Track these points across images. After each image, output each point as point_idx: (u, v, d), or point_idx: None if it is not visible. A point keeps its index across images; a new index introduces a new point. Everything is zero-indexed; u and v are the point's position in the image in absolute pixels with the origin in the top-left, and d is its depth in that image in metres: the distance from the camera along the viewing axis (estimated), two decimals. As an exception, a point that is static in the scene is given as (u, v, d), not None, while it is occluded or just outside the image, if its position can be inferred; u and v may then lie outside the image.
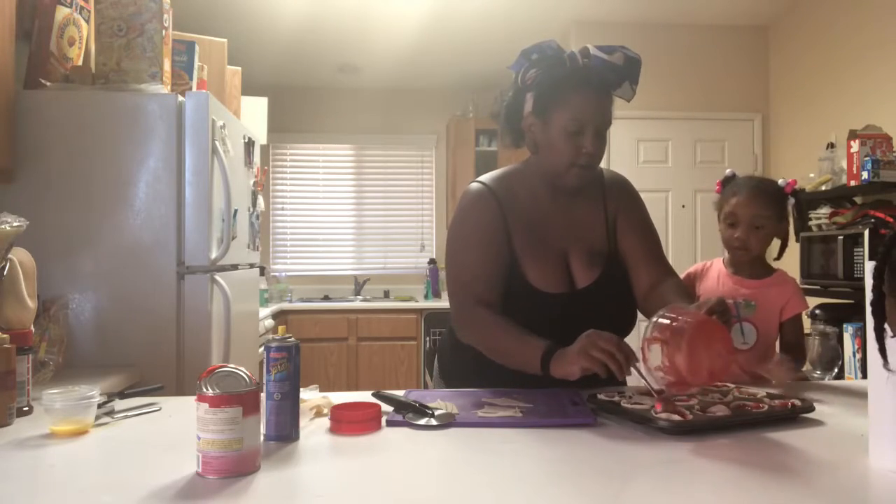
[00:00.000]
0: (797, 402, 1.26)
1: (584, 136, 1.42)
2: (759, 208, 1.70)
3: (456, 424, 1.21)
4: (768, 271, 1.78)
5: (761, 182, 1.76)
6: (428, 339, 4.87)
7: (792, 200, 1.74)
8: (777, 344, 1.75)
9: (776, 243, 1.79)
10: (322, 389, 1.37)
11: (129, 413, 1.31)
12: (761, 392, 1.34)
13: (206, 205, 2.17)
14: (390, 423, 1.22)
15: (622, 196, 1.60)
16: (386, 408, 1.28)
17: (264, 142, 4.06)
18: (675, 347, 1.13)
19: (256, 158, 2.94)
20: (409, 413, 1.24)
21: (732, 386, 1.42)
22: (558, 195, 1.52)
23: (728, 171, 1.83)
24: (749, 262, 1.75)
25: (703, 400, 1.29)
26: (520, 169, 1.57)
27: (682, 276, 1.78)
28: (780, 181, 1.75)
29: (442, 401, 1.32)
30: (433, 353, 1.78)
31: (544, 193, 1.52)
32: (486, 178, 1.56)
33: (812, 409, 1.27)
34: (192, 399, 1.00)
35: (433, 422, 1.21)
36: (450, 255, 1.54)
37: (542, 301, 1.44)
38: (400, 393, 1.39)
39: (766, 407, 1.24)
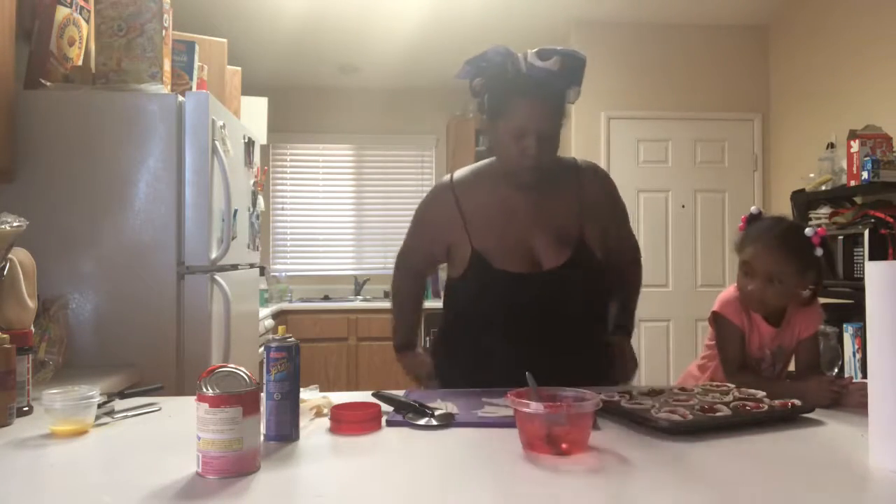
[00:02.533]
0: (797, 403, 1.26)
1: (527, 139, 1.47)
2: (777, 264, 1.51)
3: (456, 424, 1.21)
4: (785, 307, 1.61)
5: (785, 232, 1.56)
6: (428, 339, 4.86)
7: (819, 251, 1.54)
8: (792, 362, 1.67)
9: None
10: (322, 389, 1.37)
11: (129, 413, 1.31)
12: (761, 392, 1.34)
13: (206, 205, 2.16)
14: (390, 423, 1.22)
15: (597, 183, 1.68)
16: (386, 408, 1.28)
17: (264, 142, 4.06)
18: None
19: (256, 158, 2.94)
20: (409, 413, 1.25)
21: (732, 386, 1.42)
22: (523, 187, 1.57)
23: (754, 208, 1.63)
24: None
25: (703, 400, 1.29)
26: (487, 164, 1.67)
27: (726, 308, 1.60)
28: (809, 230, 1.54)
29: (442, 401, 1.32)
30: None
31: (507, 187, 1.58)
32: (456, 171, 1.69)
33: (812, 409, 1.27)
34: (192, 399, 1.00)
35: (433, 422, 1.21)
36: (406, 234, 1.80)
37: (504, 279, 1.52)
38: (400, 393, 1.39)
39: (766, 407, 1.24)
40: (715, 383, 1.47)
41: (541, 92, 1.48)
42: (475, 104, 1.59)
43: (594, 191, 1.65)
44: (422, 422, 1.21)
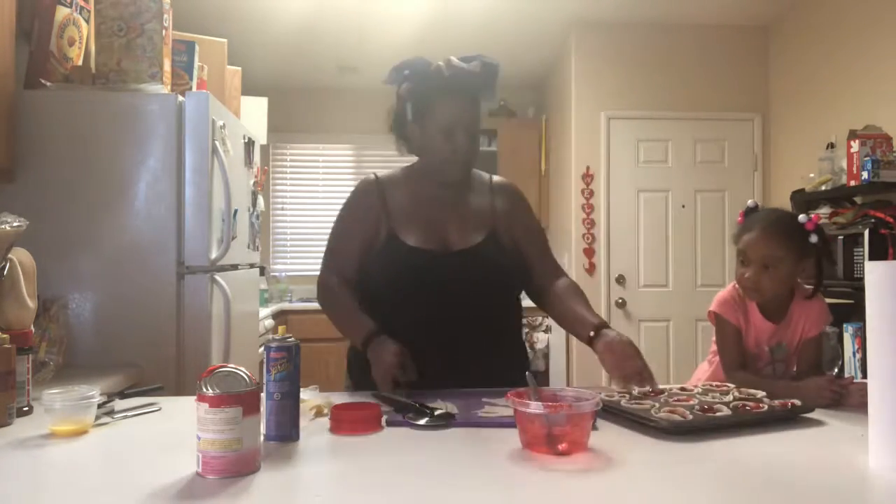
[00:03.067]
0: (797, 403, 1.26)
1: (456, 136, 1.57)
2: (769, 248, 1.53)
3: (456, 424, 1.21)
4: (788, 301, 1.62)
5: (778, 218, 1.58)
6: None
7: (814, 238, 1.55)
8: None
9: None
10: (322, 389, 1.37)
11: (129, 413, 1.31)
12: (761, 392, 1.34)
13: (206, 205, 2.17)
14: (391, 424, 1.22)
15: (509, 198, 1.73)
16: (387, 409, 1.28)
17: (264, 142, 4.06)
18: None
19: (256, 158, 2.94)
20: (409, 413, 1.25)
21: (732, 386, 1.42)
22: (444, 188, 1.66)
23: (751, 202, 1.65)
24: (770, 300, 1.59)
25: (703, 400, 1.29)
26: (409, 168, 1.75)
27: (722, 307, 1.63)
28: (802, 217, 1.56)
29: (442, 401, 1.32)
30: None
31: (429, 185, 1.67)
32: (381, 172, 1.75)
33: (812, 409, 1.27)
34: (192, 399, 1.00)
35: (433, 422, 1.21)
36: (330, 235, 1.73)
37: (414, 255, 1.57)
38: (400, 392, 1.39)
39: (766, 407, 1.24)
40: (715, 383, 1.48)
41: (465, 91, 1.60)
42: (396, 112, 1.67)
43: (506, 202, 1.71)
44: (422, 422, 1.21)
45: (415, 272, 1.56)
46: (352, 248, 1.65)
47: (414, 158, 1.71)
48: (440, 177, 1.63)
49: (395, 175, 1.73)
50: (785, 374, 1.63)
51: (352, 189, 1.74)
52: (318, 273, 1.75)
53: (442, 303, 1.54)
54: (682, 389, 1.40)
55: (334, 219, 1.72)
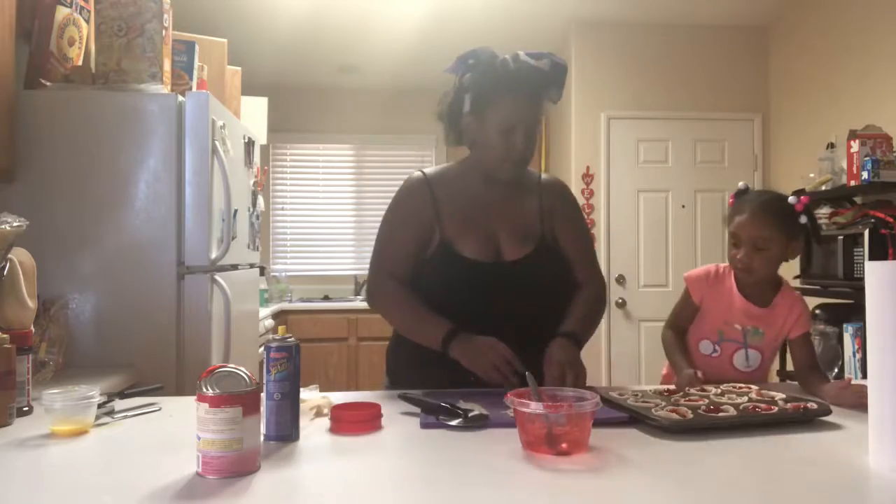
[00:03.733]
0: (811, 406, 1.25)
1: (515, 133, 1.53)
2: (762, 229, 1.57)
3: (491, 425, 1.20)
4: (775, 289, 1.65)
5: (766, 200, 1.61)
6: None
7: (804, 219, 1.58)
8: (792, 365, 1.66)
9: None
10: (322, 389, 1.37)
11: (129, 413, 1.31)
12: (780, 395, 1.33)
13: (206, 205, 2.16)
14: (424, 426, 1.21)
15: (557, 197, 1.70)
16: (387, 408, 1.28)
17: (264, 142, 4.06)
18: None
19: (256, 158, 2.94)
20: (440, 415, 1.23)
21: (754, 388, 1.41)
22: (493, 185, 1.63)
23: (741, 184, 1.69)
24: (756, 284, 1.64)
25: (714, 400, 1.29)
26: (459, 163, 1.71)
27: (692, 277, 1.72)
28: (792, 198, 1.60)
29: (464, 402, 1.30)
30: None
31: (479, 183, 1.63)
32: (427, 169, 1.70)
33: (829, 412, 1.24)
34: (192, 399, 1.00)
35: (468, 423, 1.19)
36: (378, 236, 1.67)
37: (470, 267, 1.54)
38: (418, 393, 1.38)
39: (777, 409, 1.23)
40: (738, 385, 1.45)
41: (530, 90, 1.55)
42: (451, 100, 1.61)
43: (554, 202, 1.68)
44: (455, 423, 1.20)
45: (469, 284, 1.53)
46: (405, 253, 1.60)
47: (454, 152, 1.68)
48: (494, 174, 1.60)
49: (444, 173, 1.68)
50: (761, 365, 1.64)
51: (397, 188, 1.67)
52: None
53: (494, 313, 1.51)
54: (702, 389, 1.40)
55: (382, 219, 1.66)
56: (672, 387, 1.45)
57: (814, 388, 1.49)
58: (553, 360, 1.44)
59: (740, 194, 1.66)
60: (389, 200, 1.69)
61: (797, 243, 1.60)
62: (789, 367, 1.76)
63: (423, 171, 1.68)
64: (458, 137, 1.63)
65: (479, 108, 1.55)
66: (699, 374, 1.47)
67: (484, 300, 1.52)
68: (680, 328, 1.74)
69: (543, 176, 1.73)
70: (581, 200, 4.28)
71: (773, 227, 1.57)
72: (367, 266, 1.68)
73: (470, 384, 1.46)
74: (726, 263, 1.70)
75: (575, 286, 1.65)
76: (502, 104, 1.52)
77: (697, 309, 1.70)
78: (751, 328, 1.62)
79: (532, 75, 1.53)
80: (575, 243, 1.66)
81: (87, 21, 2.36)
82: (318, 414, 1.27)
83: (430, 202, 1.61)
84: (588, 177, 4.31)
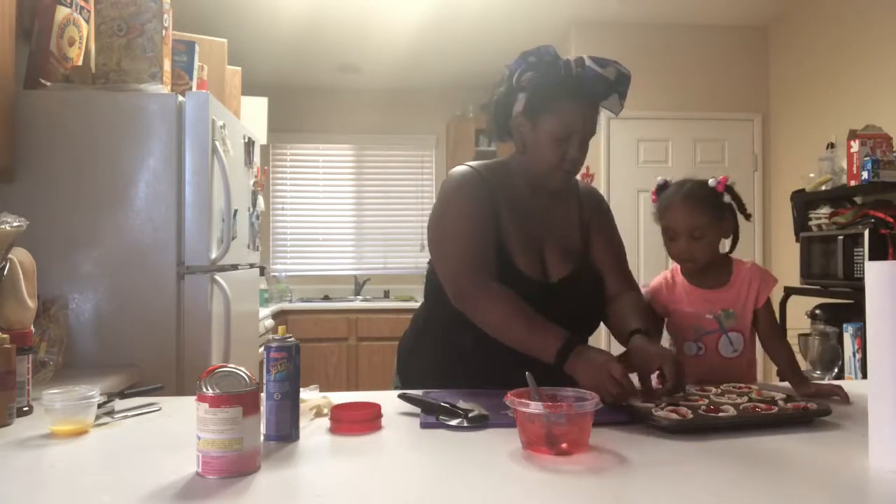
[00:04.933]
0: (811, 406, 1.25)
1: (570, 142, 1.46)
2: (693, 218, 1.61)
3: (492, 425, 1.20)
4: (727, 269, 1.68)
5: (690, 190, 1.64)
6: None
7: (727, 197, 1.64)
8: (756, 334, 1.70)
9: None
10: (322, 389, 1.37)
11: (129, 413, 1.31)
12: (780, 395, 1.33)
13: (206, 205, 2.16)
14: (424, 426, 1.21)
15: (595, 207, 1.67)
16: (387, 409, 1.28)
17: (264, 142, 4.06)
18: None
19: (256, 158, 2.94)
20: (440, 415, 1.23)
21: (755, 387, 1.41)
22: (538, 193, 1.57)
23: (660, 178, 1.73)
24: (704, 270, 1.66)
25: (714, 400, 1.29)
26: (505, 162, 1.60)
27: (650, 291, 1.75)
28: (711, 181, 1.64)
29: (464, 402, 1.30)
30: None
31: (525, 189, 1.56)
32: (472, 163, 1.59)
33: (829, 412, 1.24)
34: (192, 399, 1.00)
35: (469, 423, 1.19)
36: (448, 232, 1.51)
37: (526, 285, 1.45)
38: (418, 393, 1.38)
39: (777, 409, 1.23)
40: (738, 385, 1.45)
41: (591, 98, 1.47)
42: (502, 95, 1.51)
43: (593, 213, 1.64)
44: (455, 423, 1.20)
45: (524, 300, 1.42)
46: (490, 248, 1.46)
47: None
48: (540, 180, 1.53)
49: (491, 171, 1.56)
50: (745, 346, 1.65)
51: (446, 182, 1.55)
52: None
53: None
54: (702, 390, 1.40)
55: (446, 217, 1.52)
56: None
57: (780, 363, 1.62)
58: (652, 353, 1.35)
59: (661, 189, 1.71)
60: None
61: (727, 223, 1.66)
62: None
63: (471, 167, 1.57)
64: (502, 135, 1.55)
65: (534, 111, 1.46)
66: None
67: None
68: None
69: (581, 184, 1.68)
70: (581, 200, 4.28)
71: (702, 213, 1.62)
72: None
73: (486, 387, 1.42)
74: (671, 267, 1.76)
75: (606, 299, 1.57)
76: (560, 110, 1.44)
77: (662, 319, 1.72)
78: (721, 312, 1.65)
79: (595, 83, 1.45)
80: (611, 254, 1.62)
81: (87, 21, 2.36)
82: (318, 414, 1.27)
83: (490, 201, 1.50)
84: (588, 177, 4.31)
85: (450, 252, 1.49)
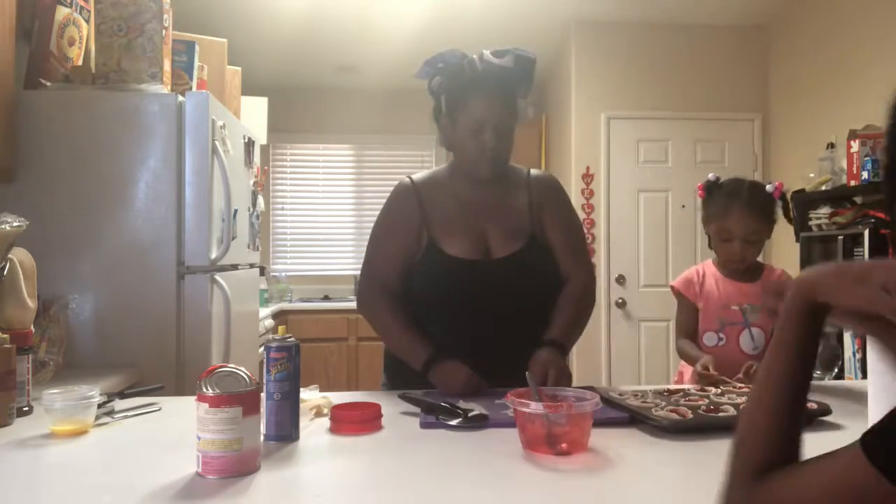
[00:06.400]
0: (811, 406, 1.25)
1: (485, 132, 1.54)
2: (754, 224, 1.65)
3: (491, 425, 1.20)
4: (759, 268, 1.75)
5: (753, 195, 1.67)
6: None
7: (780, 203, 1.70)
8: None
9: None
10: (322, 389, 1.37)
11: (129, 413, 1.31)
12: None
13: (206, 205, 2.16)
14: (424, 426, 1.21)
15: (546, 191, 1.69)
16: (387, 409, 1.28)
17: (264, 142, 4.06)
18: None
19: (256, 158, 2.94)
20: (440, 414, 1.23)
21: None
22: (479, 185, 1.63)
23: (711, 175, 1.75)
24: (744, 270, 1.73)
25: (714, 400, 1.29)
26: (447, 166, 1.72)
27: (680, 283, 1.77)
28: (769, 186, 1.68)
29: (464, 401, 1.30)
30: None
31: (465, 184, 1.64)
32: (415, 174, 1.71)
33: (829, 412, 1.25)
34: (192, 399, 1.00)
35: (468, 423, 1.19)
36: (368, 242, 1.69)
37: (456, 266, 1.55)
38: (418, 393, 1.38)
39: None
40: (738, 385, 1.46)
41: (496, 88, 1.56)
42: (434, 104, 1.64)
43: (543, 197, 1.67)
44: (455, 422, 1.20)
45: (456, 282, 1.54)
46: (393, 258, 1.61)
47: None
48: (472, 174, 1.61)
49: (431, 177, 1.70)
50: (765, 349, 1.64)
51: (385, 193, 1.71)
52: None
53: (483, 312, 1.52)
54: (702, 390, 1.40)
55: (373, 226, 1.68)
56: (671, 387, 1.45)
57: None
58: (538, 360, 1.44)
59: (712, 186, 1.72)
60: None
61: (773, 225, 1.71)
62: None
63: (409, 177, 1.70)
64: (443, 140, 1.66)
65: (451, 110, 1.58)
66: (713, 360, 1.54)
67: (471, 298, 1.53)
68: (689, 333, 1.77)
69: (534, 171, 1.72)
70: (581, 200, 4.28)
71: (760, 219, 1.65)
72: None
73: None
74: (703, 262, 1.80)
75: (563, 281, 1.63)
76: (470, 104, 1.54)
77: (697, 309, 1.73)
78: (748, 306, 1.66)
79: (497, 73, 1.55)
80: (562, 235, 1.65)
81: (87, 21, 2.36)
82: (318, 414, 1.27)
83: (416, 207, 1.62)
84: (588, 177, 4.31)
85: (364, 259, 1.68)
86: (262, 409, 1.09)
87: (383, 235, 1.65)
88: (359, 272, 1.72)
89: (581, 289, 1.62)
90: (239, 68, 3.40)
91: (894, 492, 0.53)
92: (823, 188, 3.32)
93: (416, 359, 1.51)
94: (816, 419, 1.23)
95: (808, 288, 0.69)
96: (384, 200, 1.71)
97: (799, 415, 0.69)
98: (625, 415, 1.23)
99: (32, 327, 1.53)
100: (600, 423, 1.14)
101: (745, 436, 0.69)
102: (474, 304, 1.53)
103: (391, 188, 1.71)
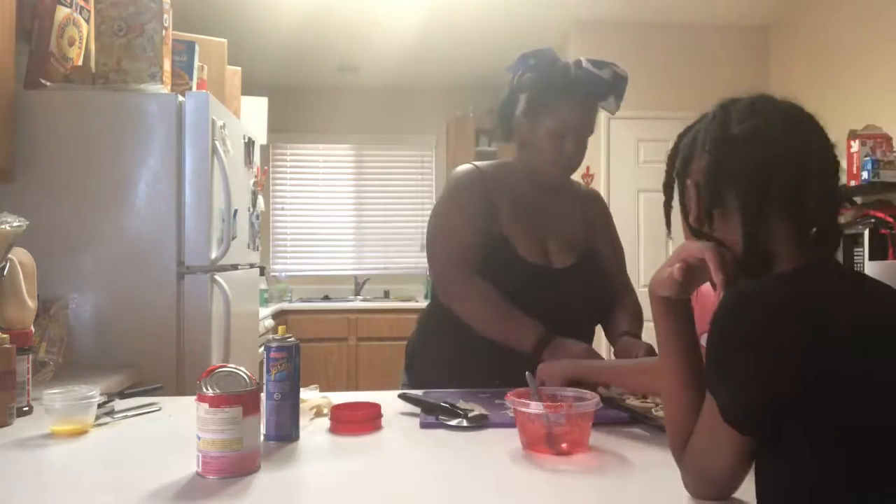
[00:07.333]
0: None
1: (567, 139, 1.52)
2: None
3: (492, 425, 1.20)
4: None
5: None
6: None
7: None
8: None
9: None
10: (322, 389, 1.37)
11: (129, 413, 1.31)
12: None
13: (206, 205, 2.16)
14: (424, 426, 1.21)
15: (598, 207, 1.74)
16: (387, 409, 1.28)
17: (264, 142, 4.06)
18: None
19: (256, 158, 2.94)
20: (440, 415, 1.23)
21: None
22: (539, 189, 1.62)
23: None
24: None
25: None
26: (508, 161, 1.68)
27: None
28: None
29: (464, 402, 1.30)
30: None
31: (527, 185, 1.62)
32: (474, 163, 1.67)
33: None
34: (192, 399, 1.00)
35: (468, 423, 1.19)
36: (439, 228, 1.60)
37: (528, 269, 1.52)
38: (418, 393, 1.38)
39: None
40: None
41: (588, 98, 1.54)
42: (505, 97, 1.57)
43: (595, 213, 1.71)
44: (455, 422, 1.20)
45: (527, 286, 1.51)
46: (477, 246, 1.53)
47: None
48: (540, 178, 1.59)
49: (496, 168, 1.65)
50: None
51: (453, 182, 1.62)
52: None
53: (544, 320, 1.47)
54: None
55: (439, 215, 1.60)
56: None
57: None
58: (632, 343, 1.48)
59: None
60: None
61: None
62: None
63: (474, 165, 1.65)
64: (507, 136, 1.61)
65: (533, 111, 1.53)
66: None
67: (535, 304, 1.48)
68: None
69: (582, 186, 1.75)
70: (581, 200, 4.28)
71: None
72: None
73: (496, 385, 1.43)
74: None
75: (611, 297, 1.65)
76: (557, 109, 1.51)
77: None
78: None
79: (592, 84, 1.52)
80: (612, 253, 1.69)
81: (87, 21, 2.36)
82: (318, 414, 1.27)
83: (486, 196, 1.57)
84: (588, 177, 4.31)
85: (438, 251, 1.59)
86: (262, 409, 1.09)
87: (462, 221, 1.56)
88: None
89: (637, 308, 1.65)
90: (239, 68, 3.40)
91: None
92: (823, 188, 3.32)
93: (528, 337, 1.43)
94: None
95: (651, 291, 0.96)
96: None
97: (700, 386, 0.84)
98: (625, 415, 1.23)
99: (32, 327, 1.53)
100: (600, 423, 1.14)
101: (668, 417, 0.89)
102: (535, 311, 1.47)
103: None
